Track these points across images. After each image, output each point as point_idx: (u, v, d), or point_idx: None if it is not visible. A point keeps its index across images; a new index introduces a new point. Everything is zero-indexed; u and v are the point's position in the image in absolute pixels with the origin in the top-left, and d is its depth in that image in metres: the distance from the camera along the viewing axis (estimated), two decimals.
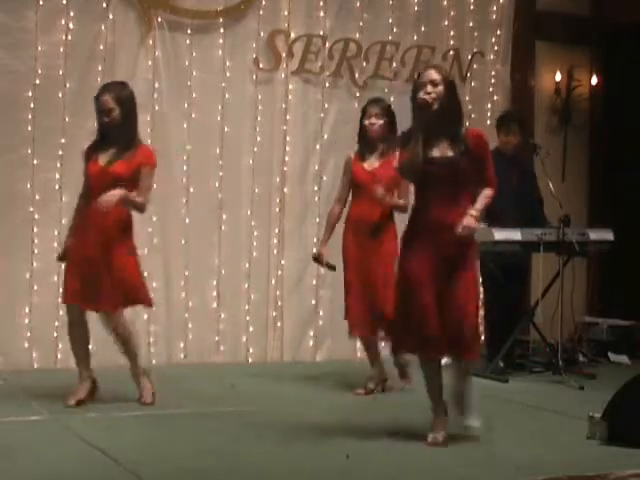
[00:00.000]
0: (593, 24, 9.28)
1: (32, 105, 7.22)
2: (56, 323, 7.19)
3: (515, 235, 7.16)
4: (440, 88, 5.05)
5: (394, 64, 8.25)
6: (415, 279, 5.00)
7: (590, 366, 7.95)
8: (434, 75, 5.07)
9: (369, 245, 6.39)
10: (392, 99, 7.86)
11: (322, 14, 8.15)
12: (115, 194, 5.58)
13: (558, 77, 9.21)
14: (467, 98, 8.67)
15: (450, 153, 5.07)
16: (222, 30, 7.85)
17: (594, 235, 7.46)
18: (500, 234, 7.12)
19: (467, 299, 5.04)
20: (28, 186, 7.20)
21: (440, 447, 5.00)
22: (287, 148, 8.08)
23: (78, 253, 5.74)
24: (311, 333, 8.09)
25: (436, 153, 5.07)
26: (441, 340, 4.97)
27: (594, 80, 9.39)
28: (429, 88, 5.03)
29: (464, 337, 5.01)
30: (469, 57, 8.67)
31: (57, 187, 7.23)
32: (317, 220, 8.10)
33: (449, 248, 5.00)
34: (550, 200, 7.63)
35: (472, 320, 5.11)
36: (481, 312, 8.29)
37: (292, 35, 8.04)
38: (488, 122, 8.64)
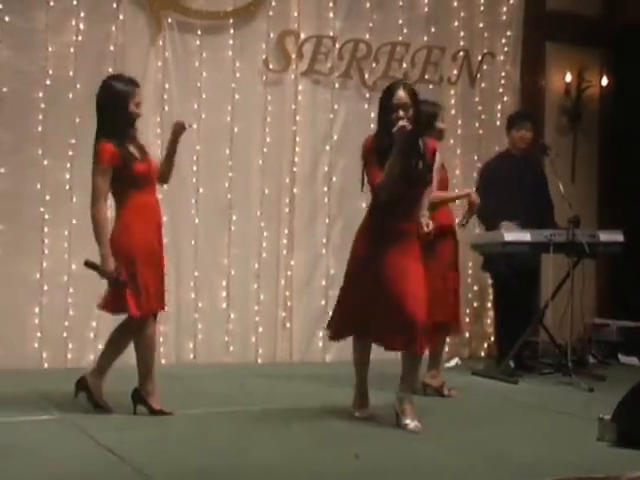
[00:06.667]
0: (603, 25, 9.30)
1: (42, 106, 7.26)
2: (66, 323, 7.25)
3: (524, 236, 7.17)
4: (410, 111, 5.31)
5: (404, 65, 8.27)
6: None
7: (600, 368, 7.97)
8: (405, 99, 5.32)
9: None
10: None
11: (332, 15, 8.18)
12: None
13: (568, 78, 9.23)
14: (477, 99, 8.76)
15: (411, 164, 5.35)
16: (232, 31, 7.88)
17: (604, 236, 7.44)
18: (510, 235, 7.14)
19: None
20: (38, 186, 7.23)
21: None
22: (297, 149, 8.10)
23: (157, 254, 5.63)
24: (320, 334, 8.06)
25: (408, 167, 5.32)
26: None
27: (604, 81, 9.41)
28: (401, 113, 5.28)
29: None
30: (479, 58, 8.70)
31: (67, 187, 7.25)
32: (327, 221, 8.16)
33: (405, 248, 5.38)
34: (560, 201, 7.63)
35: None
36: (492, 313, 8.39)
37: (302, 36, 8.07)
38: (498, 123, 8.68)
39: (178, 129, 5.74)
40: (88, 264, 5.54)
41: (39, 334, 7.20)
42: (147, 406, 5.59)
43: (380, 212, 5.43)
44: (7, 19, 7.17)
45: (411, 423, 5.33)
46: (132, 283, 5.45)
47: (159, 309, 5.68)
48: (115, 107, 5.55)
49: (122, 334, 5.67)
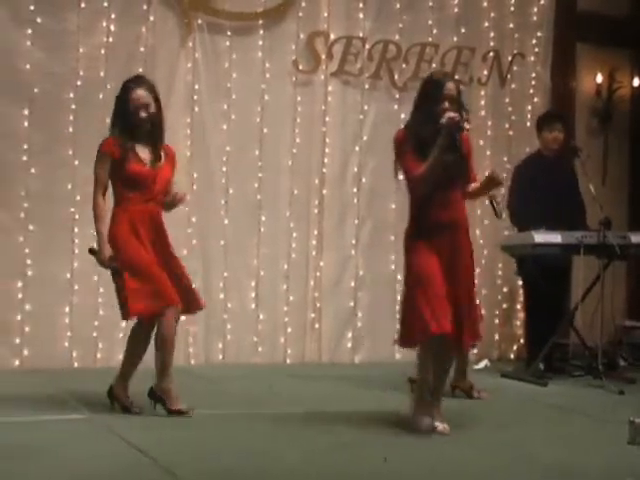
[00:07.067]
0: (634, 25, 9.23)
1: (73, 106, 7.34)
2: (96, 323, 7.31)
3: (555, 238, 7.15)
4: (456, 104, 5.27)
5: (434, 65, 8.24)
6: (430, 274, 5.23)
7: (630, 370, 7.92)
8: (454, 91, 5.30)
9: None
10: None
11: (362, 16, 8.21)
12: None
13: (599, 79, 9.19)
14: (507, 100, 8.74)
15: (450, 156, 5.20)
16: (262, 32, 7.94)
17: (635, 238, 7.40)
18: (540, 237, 7.13)
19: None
20: (69, 186, 7.29)
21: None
22: (326, 150, 8.13)
23: (144, 259, 5.57)
24: (349, 335, 8.14)
25: (448, 158, 5.20)
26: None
27: (636, 82, 9.34)
28: (447, 104, 5.22)
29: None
30: (509, 59, 8.69)
31: None
32: (356, 222, 8.18)
33: (452, 244, 5.28)
34: (591, 203, 7.61)
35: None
36: (522, 315, 8.34)
37: (332, 37, 8.10)
38: (528, 124, 8.64)
39: (175, 202, 5.70)
40: (91, 251, 5.69)
41: (69, 334, 7.26)
42: (163, 405, 5.60)
43: (423, 211, 5.31)
44: (39, 20, 7.25)
45: (440, 425, 5.32)
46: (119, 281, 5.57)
47: (155, 310, 5.54)
48: (117, 104, 5.64)
49: (129, 337, 5.76)
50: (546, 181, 7.52)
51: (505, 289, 8.67)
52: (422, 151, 5.19)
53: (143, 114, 5.56)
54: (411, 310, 5.28)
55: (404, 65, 8.27)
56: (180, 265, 5.74)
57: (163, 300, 5.52)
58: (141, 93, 5.58)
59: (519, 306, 8.57)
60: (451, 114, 5.15)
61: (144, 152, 5.60)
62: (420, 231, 5.29)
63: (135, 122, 5.57)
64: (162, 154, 5.67)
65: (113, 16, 7.45)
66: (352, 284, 8.17)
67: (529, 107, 8.80)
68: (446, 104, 5.20)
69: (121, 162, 5.55)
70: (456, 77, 8.16)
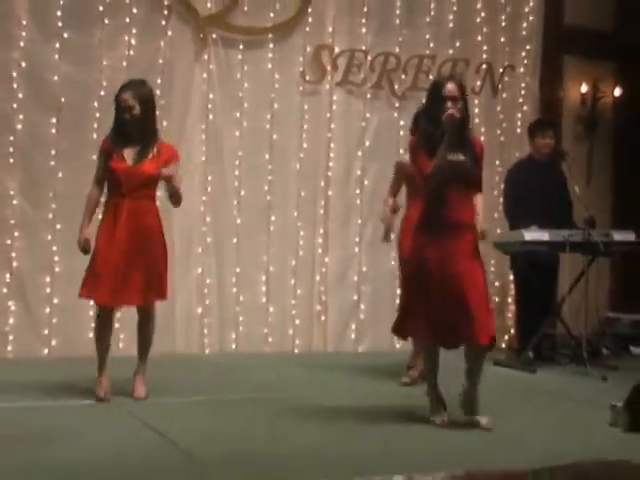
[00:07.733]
0: (616, 39, 9.44)
1: (97, 115, 7.60)
2: (118, 314, 7.39)
3: (543, 236, 7.36)
4: (460, 104, 5.25)
5: (431, 76, 8.35)
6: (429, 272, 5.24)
7: (613, 358, 8.14)
8: (454, 92, 5.25)
9: None
10: None
11: (364, 30, 8.48)
12: (173, 171, 5.77)
13: (584, 89, 9.41)
14: (498, 108, 8.99)
15: (462, 157, 5.23)
16: (271, 45, 8.21)
17: (618, 236, 7.58)
18: (529, 235, 7.36)
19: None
20: None
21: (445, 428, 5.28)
22: (331, 154, 8.39)
23: (107, 254, 5.78)
24: (353, 326, 8.37)
25: (454, 157, 5.21)
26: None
27: (617, 91, 9.58)
28: (450, 104, 5.20)
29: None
30: (500, 70, 8.94)
31: None
32: (359, 222, 8.42)
33: (462, 244, 5.25)
34: (576, 203, 7.86)
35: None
36: (513, 307, 8.59)
37: (336, 50, 8.37)
38: (518, 131, 8.92)
39: (170, 187, 5.85)
40: None
41: (92, 325, 7.38)
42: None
43: (434, 211, 5.29)
44: (66, 36, 7.55)
45: (482, 419, 5.35)
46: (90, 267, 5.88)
47: (107, 303, 5.89)
48: (115, 107, 5.94)
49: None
50: (538, 183, 7.74)
51: (497, 284, 8.89)
52: (433, 152, 5.19)
53: (126, 116, 5.77)
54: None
55: (403, 76, 8.54)
56: (146, 263, 5.82)
57: (95, 294, 5.91)
58: (125, 96, 5.78)
59: (510, 299, 8.81)
60: (450, 111, 5.14)
61: (131, 151, 5.78)
62: (428, 230, 5.29)
63: (120, 123, 5.81)
64: (150, 153, 5.80)
65: (134, 31, 7.75)
66: (355, 279, 8.42)
67: (519, 115, 9.05)
68: (448, 104, 5.18)
69: (109, 159, 5.82)
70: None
